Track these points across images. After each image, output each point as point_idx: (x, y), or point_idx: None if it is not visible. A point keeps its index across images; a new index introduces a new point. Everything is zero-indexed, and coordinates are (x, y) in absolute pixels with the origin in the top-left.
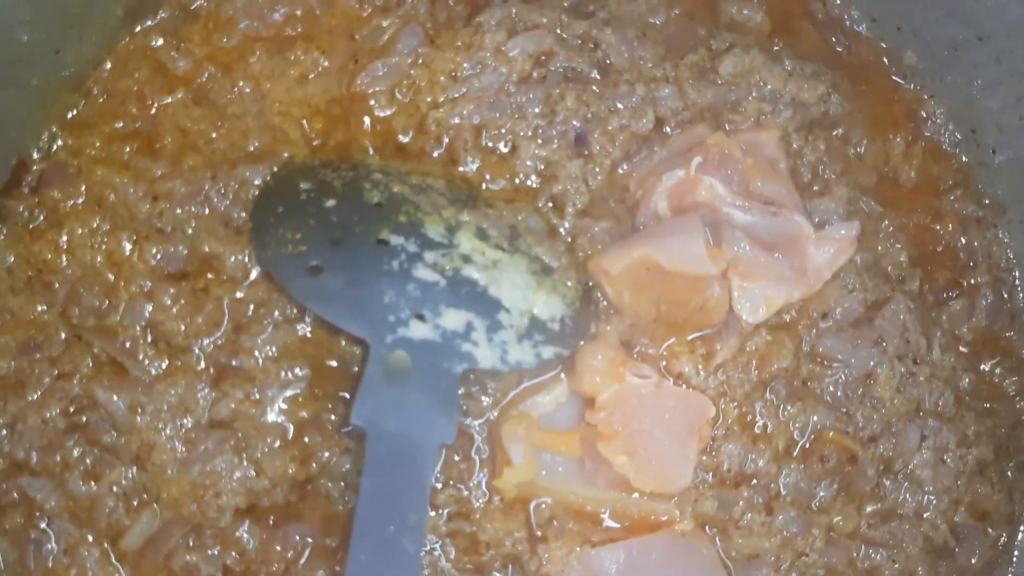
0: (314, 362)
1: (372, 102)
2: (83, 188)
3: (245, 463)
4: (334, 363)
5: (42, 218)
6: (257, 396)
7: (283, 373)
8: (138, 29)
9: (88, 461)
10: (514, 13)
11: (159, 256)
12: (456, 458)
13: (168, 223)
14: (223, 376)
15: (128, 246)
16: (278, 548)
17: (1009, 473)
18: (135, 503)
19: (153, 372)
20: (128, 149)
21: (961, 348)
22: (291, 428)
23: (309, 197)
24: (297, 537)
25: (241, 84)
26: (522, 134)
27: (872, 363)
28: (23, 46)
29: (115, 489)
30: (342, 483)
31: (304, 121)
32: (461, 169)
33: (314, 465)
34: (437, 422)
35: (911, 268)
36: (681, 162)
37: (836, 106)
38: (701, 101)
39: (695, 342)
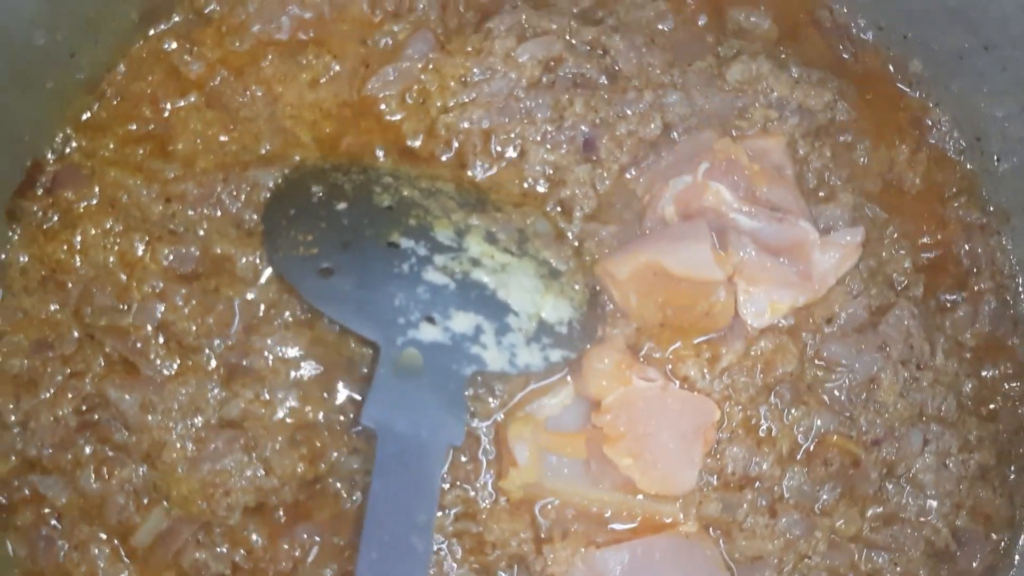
0: (324, 363)
1: (383, 106)
2: (96, 189)
3: (254, 462)
4: (343, 364)
5: (56, 219)
6: (267, 396)
7: (293, 373)
8: (152, 33)
9: (99, 459)
10: (524, 19)
11: (171, 257)
12: (463, 459)
13: (180, 224)
14: (233, 376)
15: (141, 247)
16: (286, 546)
17: (1011, 477)
18: (145, 501)
19: (164, 372)
20: (141, 151)
21: (964, 354)
22: (300, 428)
23: (320, 200)
24: (305, 535)
25: (253, 88)
26: (531, 139)
27: (876, 368)
28: (39, 50)
29: (125, 487)
30: (350, 482)
31: (315, 124)
32: (470, 173)
33: (323, 464)
34: (446, 423)
35: (915, 274)
36: (688, 168)
37: (842, 113)
38: (708, 107)
39: (701, 346)
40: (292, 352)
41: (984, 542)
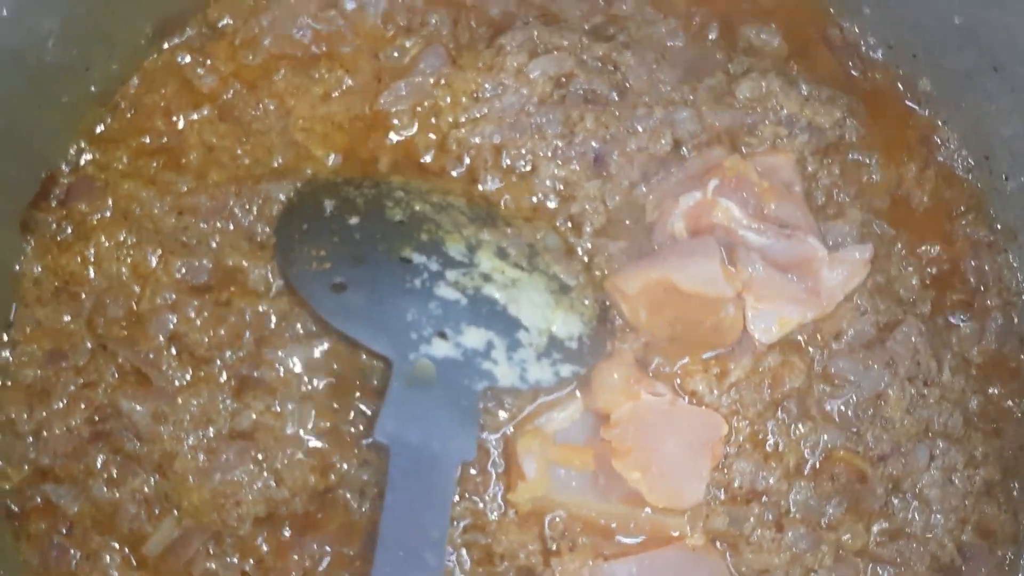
0: (335, 375)
1: (394, 121)
2: (110, 202)
3: (265, 473)
4: (354, 376)
5: (69, 230)
6: (278, 408)
7: (304, 386)
8: (165, 46)
9: (111, 469)
10: (535, 35)
11: (183, 270)
12: (472, 471)
13: (193, 237)
14: (245, 387)
15: (153, 259)
16: (296, 557)
17: (1016, 493)
18: (156, 511)
19: (176, 383)
20: (154, 164)
21: (971, 371)
22: (311, 439)
23: (333, 214)
24: (315, 546)
25: (266, 101)
26: (541, 154)
27: (883, 384)
28: (54, 64)
29: (137, 496)
30: (361, 493)
31: (327, 138)
32: (481, 188)
33: (333, 476)
34: (458, 439)
35: (923, 291)
36: (698, 184)
37: (851, 131)
38: (718, 124)
39: (709, 361)
40: (303, 364)
41: (989, 557)
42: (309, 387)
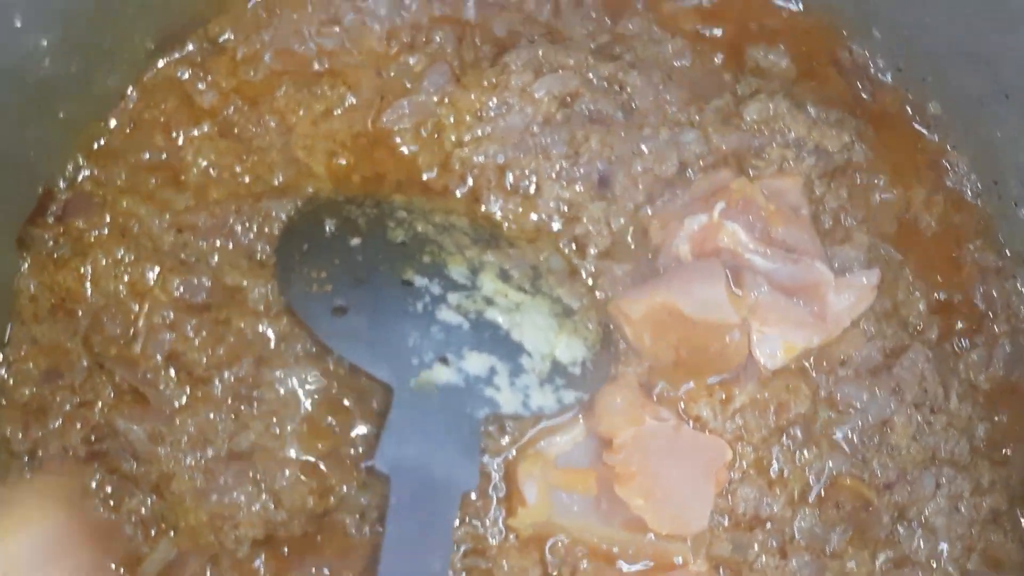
0: (334, 396)
1: (397, 139)
2: (107, 218)
3: (264, 495)
4: (354, 397)
5: (66, 247)
6: (277, 430)
7: (303, 407)
8: (166, 61)
9: (107, 489)
10: (540, 54)
11: (182, 288)
12: (473, 496)
13: (192, 255)
14: (243, 408)
15: (151, 277)
16: None
17: (1022, 522)
18: (153, 532)
19: (174, 403)
20: (153, 180)
21: (978, 398)
22: (310, 461)
23: (334, 235)
24: (313, 569)
25: (267, 118)
26: (546, 175)
27: (889, 411)
28: (53, 81)
29: (133, 517)
30: (360, 516)
31: (329, 156)
32: (484, 208)
33: (332, 498)
34: (460, 468)
35: (930, 316)
36: (704, 207)
37: (859, 154)
38: (725, 146)
39: (713, 386)
40: (303, 385)
41: None
42: (309, 408)
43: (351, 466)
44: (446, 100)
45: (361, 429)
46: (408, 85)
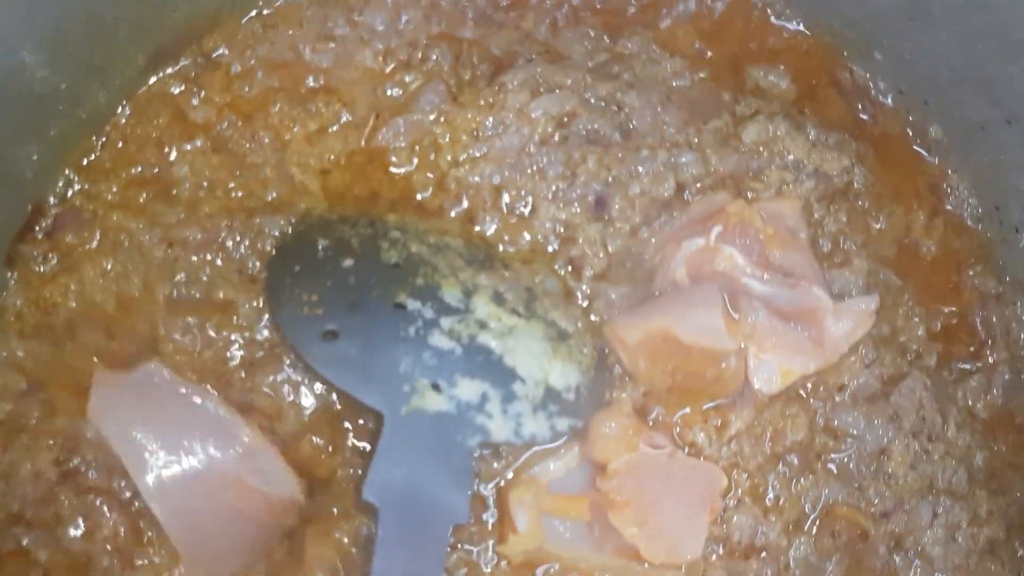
0: (331, 420)
1: (392, 157)
2: (97, 233)
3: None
4: (347, 422)
5: (55, 262)
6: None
7: (295, 417)
8: (158, 76)
9: (79, 518)
10: (538, 73)
11: (172, 298)
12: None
13: (182, 269)
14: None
15: (141, 290)
16: None
17: (1019, 552)
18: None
19: None
20: (145, 195)
21: (976, 426)
22: (301, 476)
23: (327, 256)
24: None
25: (261, 134)
26: (542, 195)
27: (886, 439)
28: (43, 98)
29: (108, 547)
30: (352, 535)
31: (323, 173)
32: (479, 228)
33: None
34: (451, 500)
35: (929, 343)
36: (701, 230)
37: (859, 177)
38: (723, 168)
39: (709, 412)
40: (295, 398)
41: None
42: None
43: (347, 487)
44: (442, 119)
45: (355, 446)
46: (404, 103)
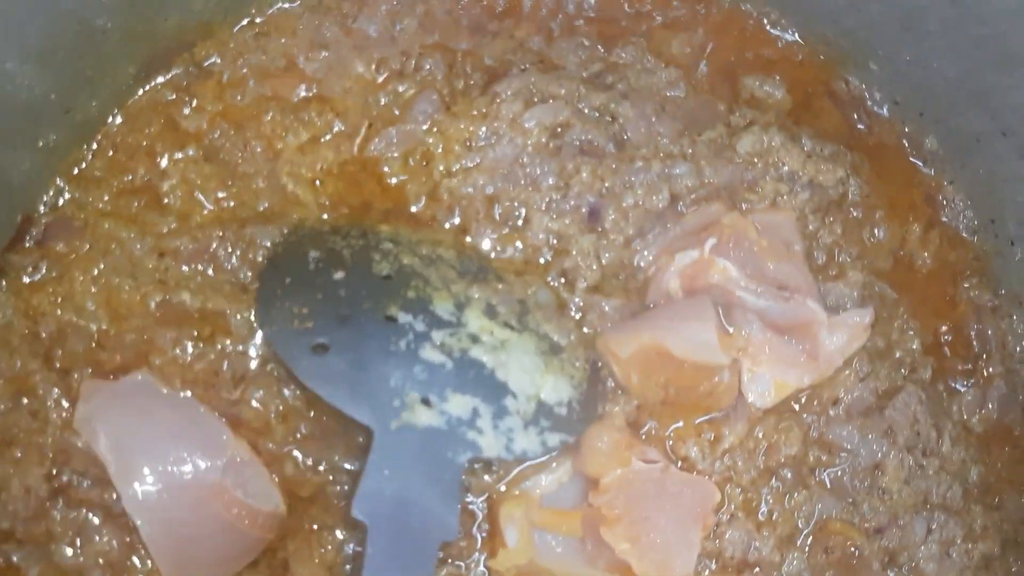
0: (324, 436)
1: (385, 168)
2: (88, 242)
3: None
4: (336, 438)
5: (44, 269)
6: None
7: (285, 433)
8: (150, 86)
9: (71, 533)
10: (532, 83)
11: (163, 307)
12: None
13: (173, 278)
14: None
15: (131, 299)
16: None
17: (1014, 568)
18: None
19: None
20: (136, 204)
21: (971, 440)
22: (289, 490)
23: (318, 268)
24: None
25: (253, 143)
26: (535, 206)
27: (881, 454)
28: (33, 109)
29: (100, 561)
30: (339, 550)
31: (315, 183)
32: (472, 239)
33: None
34: (440, 517)
35: (924, 356)
36: (695, 242)
37: (854, 188)
38: (717, 179)
39: (702, 426)
40: (283, 413)
41: None
42: (294, 440)
43: (337, 504)
44: (435, 129)
45: (345, 465)
46: (397, 113)
